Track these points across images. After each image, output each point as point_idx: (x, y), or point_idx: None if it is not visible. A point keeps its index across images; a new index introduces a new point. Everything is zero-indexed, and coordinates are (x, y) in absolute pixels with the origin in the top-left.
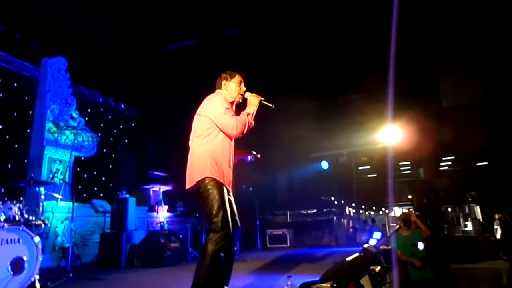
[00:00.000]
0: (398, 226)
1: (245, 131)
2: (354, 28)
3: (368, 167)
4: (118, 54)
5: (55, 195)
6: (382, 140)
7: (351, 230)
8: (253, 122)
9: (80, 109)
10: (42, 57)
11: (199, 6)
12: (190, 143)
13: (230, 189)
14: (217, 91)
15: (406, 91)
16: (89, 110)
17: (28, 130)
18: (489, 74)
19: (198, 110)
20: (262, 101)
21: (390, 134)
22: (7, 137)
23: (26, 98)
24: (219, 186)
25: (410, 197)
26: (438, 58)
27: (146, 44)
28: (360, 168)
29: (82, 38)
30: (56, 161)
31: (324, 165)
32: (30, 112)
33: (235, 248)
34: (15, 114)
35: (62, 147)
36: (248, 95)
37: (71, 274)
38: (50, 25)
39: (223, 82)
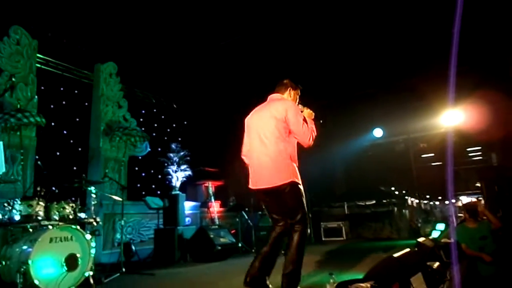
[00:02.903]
0: (463, 217)
1: None
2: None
3: (432, 154)
4: (168, 55)
5: (111, 196)
6: (445, 125)
7: (415, 221)
8: None
9: (134, 110)
10: (95, 63)
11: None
12: (266, 142)
13: None
14: (284, 96)
15: (471, 70)
16: (143, 111)
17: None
18: None
19: (273, 112)
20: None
21: (454, 117)
22: (71, 141)
23: (86, 103)
24: (301, 187)
25: (478, 185)
26: (508, 31)
27: (194, 43)
28: (423, 156)
29: (134, 43)
30: (111, 161)
31: (378, 133)
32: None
33: None
34: (77, 119)
35: (116, 147)
36: (301, 107)
37: (124, 270)
38: (105, 32)
39: (289, 90)
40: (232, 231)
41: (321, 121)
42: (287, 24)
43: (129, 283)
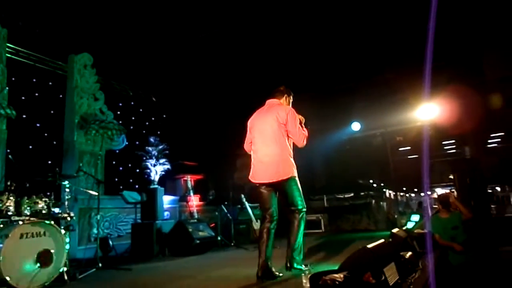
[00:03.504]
0: (437, 208)
1: None
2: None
3: (409, 148)
4: (147, 47)
5: (86, 190)
6: (421, 119)
7: (392, 213)
8: None
9: (111, 103)
10: (69, 54)
11: None
12: (269, 143)
13: None
14: (281, 101)
15: (445, 66)
16: (120, 104)
17: None
18: None
19: (276, 116)
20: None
21: (430, 112)
22: (46, 134)
23: (60, 95)
24: (297, 179)
25: (451, 177)
26: (481, 29)
27: (173, 35)
28: (400, 149)
29: (111, 34)
30: (87, 155)
31: (355, 127)
32: None
33: None
34: (52, 112)
35: (92, 141)
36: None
37: (100, 265)
38: (80, 22)
39: (285, 96)
40: (212, 225)
41: (308, 127)
42: (267, 19)
43: (105, 278)
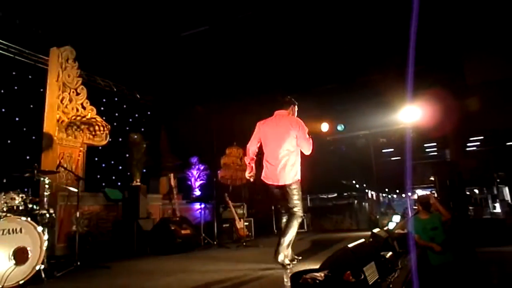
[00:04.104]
0: (417, 209)
1: None
2: (371, 4)
3: (392, 149)
4: (132, 42)
5: (66, 186)
6: (403, 121)
7: (374, 213)
8: None
9: (95, 99)
10: (51, 47)
11: None
12: (281, 151)
13: None
14: (289, 111)
15: (427, 70)
16: (104, 100)
17: None
18: None
19: (289, 127)
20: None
21: (412, 114)
22: (24, 129)
23: (41, 89)
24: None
25: (432, 178)
26: (462, 34)
27: (159, 31)
28: (383, 150)
29: (96, 28)
30: (68, 151)
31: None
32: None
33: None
34: (31, 106)
35: (73, 136)
36: None
37: (79, 263)
38: (63, 14)
39: (292, 107)
40: (195, 224)
41: (311, 135)
42: (252, 17)
43: (83, 276)
